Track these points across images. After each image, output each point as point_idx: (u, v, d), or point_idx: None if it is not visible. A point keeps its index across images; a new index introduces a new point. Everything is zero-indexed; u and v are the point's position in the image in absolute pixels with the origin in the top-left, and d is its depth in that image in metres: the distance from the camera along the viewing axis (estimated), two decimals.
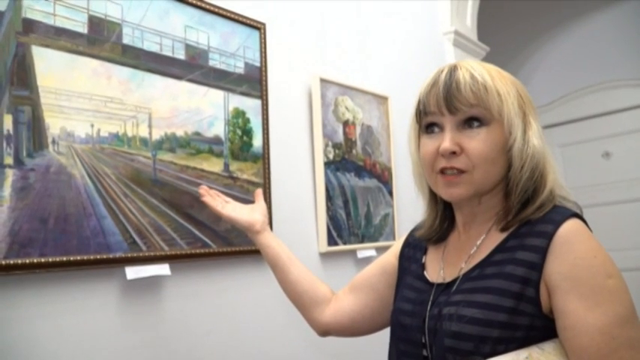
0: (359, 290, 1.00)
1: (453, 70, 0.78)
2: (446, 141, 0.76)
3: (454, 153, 0.76)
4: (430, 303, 0.81)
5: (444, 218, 0.90)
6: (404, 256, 0.97)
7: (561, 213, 0.75)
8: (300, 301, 1.04)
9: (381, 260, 1.01)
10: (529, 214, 0.76)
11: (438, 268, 0.86)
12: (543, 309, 0.71)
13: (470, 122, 0.76)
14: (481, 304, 0.73)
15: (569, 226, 0.72)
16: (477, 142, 0.75)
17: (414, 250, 0.95)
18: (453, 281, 0.80)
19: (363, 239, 1.90)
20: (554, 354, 0.70)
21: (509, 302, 0.71)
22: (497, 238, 0.79)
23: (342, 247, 1.79)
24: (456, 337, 0.72)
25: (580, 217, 0.76)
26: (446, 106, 0.76)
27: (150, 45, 1.31)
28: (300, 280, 1.03)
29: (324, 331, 1.03)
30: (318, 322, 1.02)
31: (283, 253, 1.05)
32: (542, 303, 0.71)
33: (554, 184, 0.79)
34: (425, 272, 0.88)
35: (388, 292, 0.97)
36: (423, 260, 0.91)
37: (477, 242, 0.82)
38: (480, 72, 0.76)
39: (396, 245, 1.01)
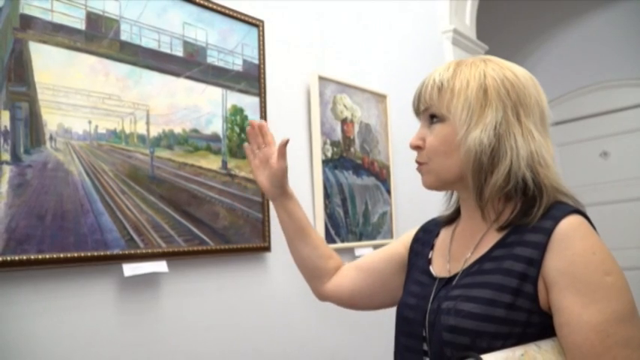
0: (364, 271, 1.03)
1: (431, 73, 0.85)
2: (414, 136, 0.85)
3: (419, 147, 0.84)
4: (432, 297, 0.81)
5: (457, 207, 0.94)
6: (413, 251, 0.98)
7: (562, 209, 0.75)
8: (308, 271, 1.07)
9: (390, 248, 1.04)
10: (531, 218, 0.75)
11: (443, 262, 0.87)
12: (541, 305, 0.71)
13: (432, 119, 0.83)
14: (479, 299, 0.73)
15: (569, 222, 0.72)
16: (431, 136, 0.82)
17: (422, 246, 0.96)
18: (455, 276, 0.81)
19: (360, 237, 1.90)
20: (551, 352, 0.69)
21: (506, 298, 0.71)
22: (498, 233, 0.80)
23: (339, 245, 1.79)
24: (453, 331, 0.73)
25: (582, 213, 0.75)
26: (416, 106, 0.86)
27: (148, 42, 1.31)
28: (315, 254, 1.04)
29: (323, 299, 1.08)
30: (319, 290, 1.07)
31: (307, 224, 1.05)
32: (540, 299, 0.71)
33: (545, 178, 0.77)
34: (430, 267, 0.89)
35: (391, 279, 1.00)
36: (430, 256, 0.92)
37: (479, 237, 0.82)
38: (444, 71, 0.82)
39: (406, 237, 1.03)
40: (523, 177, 0.76)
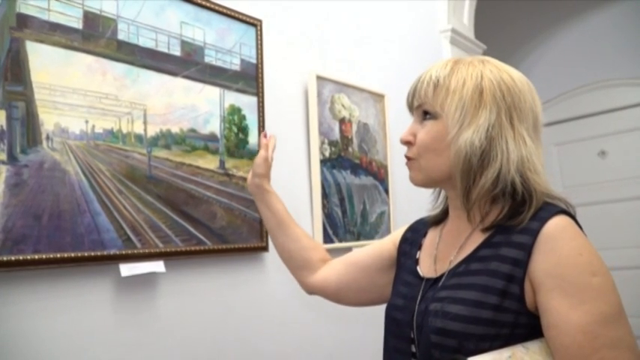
0: (352, 265, 1.03)
1: (428, 69, 0.84)
2: (405, 132, 0.85)
3: (409, 142, 0.84)
4: (419, 298, 0.81)
5: (445, 207, 0.93)
6: (401, 251, 0.98)
7: (549, 210, 0.74)
8: (292, 263, 1.07)
9: (379, 245, 1.04)
10: (520, 220, 0.75)
11: (430, 262, 0.87)
12: (528, 306, 0.71)
13: (425, 115, 0.83)
14: (466, 300, 0.73)
15: (555, 223, 0.72)
16: (423, 132, 0.82)
17: (410, 247, 0.96)
18: (441, 276, 0.81)
19: (358, 237, 1.90)
20: (539, 353, 0.69)
21: (493, 299, 0.71)
22: (484, 234, 0.79)
23: (337, 244, 1.79)
24: (441, 333, 0.73)
25: (569, 213, 0.75)
26: (410, 101, 0.86)
27: (145, 41, 1.30)
28: (297, 246, 1.06)
29: (310, 292, 1.08)
30: (305, 282, 1.07)
31: (287, 217, 1.07)
32: (527, 300, 0.71)
33: (535, 184, 0.76)
34: (418, 267, 0.89)
35: (379, 275, 1.00)
36: (417, 256, 0.92)
37: (465, 237, 0.82)
38: (441, 69, 0.81)
39: (396, 234, 1.02)
40: (512, 181, 0.75)
